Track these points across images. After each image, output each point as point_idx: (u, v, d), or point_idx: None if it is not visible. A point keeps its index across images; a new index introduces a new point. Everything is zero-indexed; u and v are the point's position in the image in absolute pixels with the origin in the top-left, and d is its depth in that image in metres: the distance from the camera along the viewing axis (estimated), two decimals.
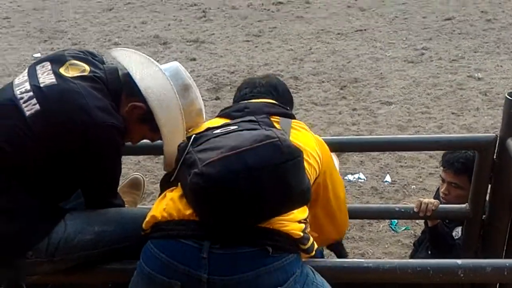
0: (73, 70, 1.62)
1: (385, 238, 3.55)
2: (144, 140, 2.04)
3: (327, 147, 1.73)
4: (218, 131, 1.51)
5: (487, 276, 1.54)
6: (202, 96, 6.86)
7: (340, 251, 2.86)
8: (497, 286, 2.07)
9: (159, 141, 1.76)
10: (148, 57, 1.71)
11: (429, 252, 2.56)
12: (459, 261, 1.52)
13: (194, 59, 7.13)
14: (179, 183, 1.50)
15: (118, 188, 2.15)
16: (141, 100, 1.62)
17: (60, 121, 1.52)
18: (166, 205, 1.47)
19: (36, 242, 1.55)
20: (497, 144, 1.92)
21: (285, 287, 1.38)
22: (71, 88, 1.55)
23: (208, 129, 1.56)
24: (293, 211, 1.44)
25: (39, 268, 1.59)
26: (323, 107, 5.66)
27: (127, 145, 2.21)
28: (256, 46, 7.57)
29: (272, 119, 1.64)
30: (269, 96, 1.80)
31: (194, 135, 1.52)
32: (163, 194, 1.55)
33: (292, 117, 1.72)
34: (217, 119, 1.71)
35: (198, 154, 1.40)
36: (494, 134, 1.95)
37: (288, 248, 1.42)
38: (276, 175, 1.34)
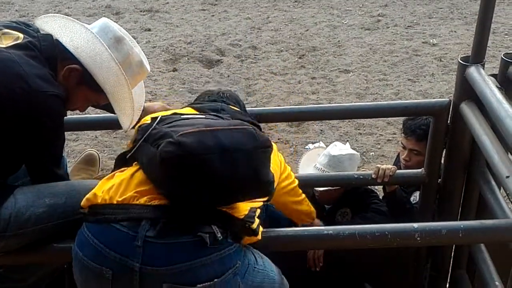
0: (7, 40, 1.57)
1: None
2: (100, 114, 1.96)
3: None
4: (186, 116, 1.52)
5: (442, 238, 1.57)
6: (158, 68, 6.59)
7: None
8: (453, 248, 2.14)
9: (115, 115, 1.71)
10: (72, 18, 1.67)
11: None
12: (415, 225, 1.54)
13: (149, 30, 6.95)
14: (133, 162, 1.47)
15: (73, 166, 2.10)
16: (75, 62, 1.59)
17: None
18: (110, 188, 1.42)
19: None
20: (450, 109, 1.95)
21: (222, 279, 1.35)
22: (6, 57, 1.50)
23: (175, 114, 1.55)
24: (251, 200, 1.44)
25: None
26: (282, 77, 5.65)
27: (84, 120, 2.15)
28: (213, 15, 7.43)
29: None
30: (236, 106, 1.81)
31: (160, 116, 1.50)
32: (111, 174, 1.50)
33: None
34: (189, 108, 1.69)
35: (169, 128, 1.39)
36: (448, 99, 1.98)
37: (233, 230, 1.38)
38: (247, 159, 1.34)
